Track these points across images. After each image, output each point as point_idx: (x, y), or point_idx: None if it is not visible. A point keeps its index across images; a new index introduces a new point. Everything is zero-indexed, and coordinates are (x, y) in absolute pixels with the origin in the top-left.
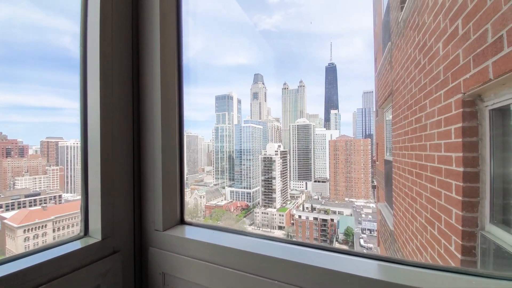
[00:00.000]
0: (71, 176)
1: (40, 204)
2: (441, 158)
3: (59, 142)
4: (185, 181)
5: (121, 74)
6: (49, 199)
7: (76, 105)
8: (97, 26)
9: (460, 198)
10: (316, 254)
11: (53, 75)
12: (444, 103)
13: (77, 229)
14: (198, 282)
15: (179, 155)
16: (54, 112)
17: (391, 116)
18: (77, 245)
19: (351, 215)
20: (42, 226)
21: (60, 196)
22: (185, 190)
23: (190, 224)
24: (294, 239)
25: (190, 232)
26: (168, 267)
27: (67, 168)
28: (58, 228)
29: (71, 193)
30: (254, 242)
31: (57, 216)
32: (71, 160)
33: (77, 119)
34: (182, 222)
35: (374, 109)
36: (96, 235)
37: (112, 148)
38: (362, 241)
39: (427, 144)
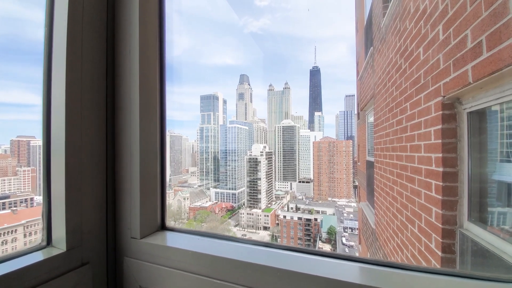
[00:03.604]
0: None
1: (10, 207)
2: (421, 158)
3: (31, 141)
4: (168, 183)
5: (93, 68)
6: (20, 202)
7: None
8: (64, 14)
9: (439, 197)
10: (306, 260)
11: (24, 69)
12: (424, 106)
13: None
14: None
15: (161, 155)
16: (26, 109)
17: (373, 118)
18: (38, 257)
19: (333, 214)
20: (12, 231)
21: (32, 199)
22: (168, 192)
23: (172, 230)
24: (283, 244)
25: (172, 239)
26: (147, 279)
27: (39, 169)
28: (30, 233)
29: None
30: (242, 249)
31: (28, 220)
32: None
33: None
34: (163, 228)
35: (356, 112)
36: (60, 245)
37: (79, 149)
38: (344, 239)
39: (407, 145)
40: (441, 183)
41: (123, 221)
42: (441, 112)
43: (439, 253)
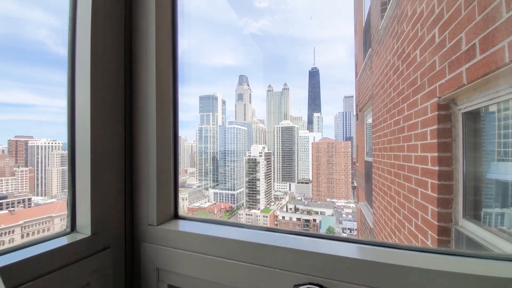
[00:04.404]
0: (41, 178)
1: (7, 208)
2: (417, 158)
3: (29, 142)
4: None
5: (113, 70)
6: (17, 203)
7: (50, 102)
8: (88, 22)
9: (435, 195)
10: (307, 241)
11: (22, 69)
12: (420, 107)
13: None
14: (194, 275)
15: (174, 151)
16: (24, 109)
17: (371, 119)
18: (63, 241)
19: (332, 215)
20: (9, 231)
21: (29, 200)
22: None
23: (184, 218)
24: (287, 229)
25: (184, 226)
26: (163, 262)
27: (37, 170)
28: (27, 234)
29: (41, 196)
30: (249, 233)
31: (26, 221)
32: (42, 161)
33: (49, 117)
34: (176, 216)
35: (355, 113)
36: (84, 231)
37: (102, 146)
38: None
39: (404, 145)
40: (436, 182)
41: (141, 210)
42: (437, 113)
43: None
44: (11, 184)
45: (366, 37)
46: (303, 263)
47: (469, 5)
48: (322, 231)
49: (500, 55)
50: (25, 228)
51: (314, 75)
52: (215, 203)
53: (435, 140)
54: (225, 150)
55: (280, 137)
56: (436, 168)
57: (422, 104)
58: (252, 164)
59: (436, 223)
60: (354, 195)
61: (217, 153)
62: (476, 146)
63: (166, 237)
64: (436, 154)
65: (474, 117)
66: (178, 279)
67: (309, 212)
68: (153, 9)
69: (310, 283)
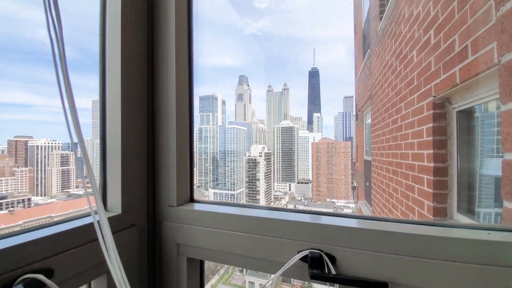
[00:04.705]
0: (41, 178)
1: (6, 208)
2: (414, 155)
3: (28, 142)
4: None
5: (138, 70)
6: (17, 203)
7: (50, 102)
8: (118, 25)
9: (431, 190)
10: (311, 216)
11: (22, 69)
12: (417, 106)
13: None
14: (210, 247)
15: (190, 144)
16: (24, 109)
17: (370, 119)
18: (97, 218)
19: None
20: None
21: (29, 200)
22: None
23: (198, 201)
24: (294, 208)
25: (199, 207)
26: (182, 238)
27: (37, 170)
28: None
29: (41, 196)
30: (261, 210)
31: (25, 221)
32: (41, 161)
33: (50, 117)
34: (191, 200)
35: (354, 113)
36: (115, 210)
37: (129, 138)
38: None
39: (402, 143)
40: (432, 178)
41: (162, 193)
42: (432, 111)
43: None
44: (11, 184)
45: (365, 38)
46: (306, 232)
47: (462, 8)
48: None
49: (490, 56)
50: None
51: (314, 75)
52: None
53: (431, 138)
54: (225, 150)
55: (280, 137)
56: (432, 164)
57: (418, 103)
58: (252, 164)
59: (432, 217)
60: (354, 195)
61: (217, 153)
62: (469, 143)
63: (184, 216)
64: (431, 151)
65: (467, 116)
66: (195, 252)
67: None
68: (173, 12)
69: (312, 249)
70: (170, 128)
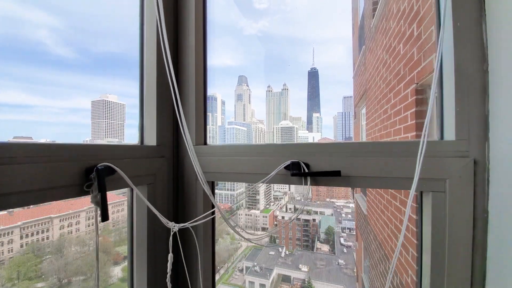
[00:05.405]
0: None
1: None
2: (401, 140)
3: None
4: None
5: (165, 68)
6: None
7: (50, 102)
8: (154, 31)
9: None
10: (293, 143)
11: (21, 70)
12: (403, 94)
13: (48, 235)
14: (220, 170)
15: (204, 105)
16: (24, 110)
17: (365, 112)
18: (139, 146)
19: (332, 215)
20: (8, 233)
21: None
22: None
23: (210, 144)
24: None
25: (212, 146)
26: (201, 166)
27: None
28: (27, 235)
29: None
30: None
31: (24, 222)
32: None
33: (50, 118)
34: (205, 143)
35: (353, 112)
36: (151, 143)
37: (161, 93)
38: (342, 239)
39: (391, 131)
40: None
41: (185, 135)
42: (415, 97)
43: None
44: None
45: (361, 35)
46: (289, 151)
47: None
48: (322, 230)
49: None
50: (24, 229)
51: (313, 75)
52: None
53: (414, 121)
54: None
55: (280, 137)
56: None
57: (404, 91)
58: None
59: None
60: (353, 195)
61: None
62: None
63: (202, 151)
64: (414, 133)
65: None
66: (210, 176)
67: (308, 212)
68: (193, 13)
69: (292, 160)
70: (190, 91)
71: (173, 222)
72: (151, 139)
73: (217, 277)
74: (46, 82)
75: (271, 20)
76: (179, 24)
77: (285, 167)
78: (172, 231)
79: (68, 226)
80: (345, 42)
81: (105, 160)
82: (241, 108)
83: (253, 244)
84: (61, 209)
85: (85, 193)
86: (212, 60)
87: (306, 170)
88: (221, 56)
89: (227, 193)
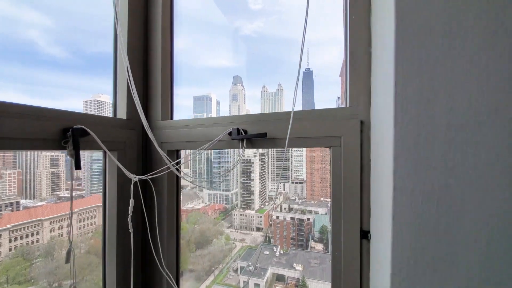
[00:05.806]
0: (30, 181)
1: None
2: None
3: None
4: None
5: (136, 56)
6: (5, 206)
7: (42, 102)
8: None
9: None
10: (236, 115)
11: (12, 69)
12: None
13: (38, 238)
14: (183, 140)
15: (171, 82)
16: None
17: None
18: (113, 118)
19: (326, 214)
20: None
21: (17, 203)
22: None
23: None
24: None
25: (176, 120)
26: (164, 138)
27: (25, 172)
28: (16, 238)
29: (30, 199)
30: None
31: (14, 225)
32: (30, 163)
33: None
34: (171, 118)
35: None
36: (122, 116)
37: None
38: None
39: None
40: None
41: (153, 111)
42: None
43: None
44: None
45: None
46: (232, 121)
47: None
48: (316, 229)
49: None
50: (13, 232)
51: (308, 76)
52: (209, 204)
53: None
54: (219, 151)
55: None
56: None
57: None
58: (246, 165)
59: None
60: None
61: (211, 153)
62: None
63: (167, 125)
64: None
65: None
66: (174, 145)
67: (303, 212)
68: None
69: (237, 128)
70: (157, 73)
71: (134, 174)
72: (122, 114)
73: (211, 277)
74: (38, 82)
75: (266, 21)
76: (148, 11)
77: (228, 134)
78: (133, 181)
79: (58, 229)
80: (340, 43)
81: (81, 124)
82: (236, 108)
83: (247, 244)
84: (51, 211)
85: (62, 147)
86: (207, 61)
87: (244, 134)
88: (217, 57)
89: (222, 194)
